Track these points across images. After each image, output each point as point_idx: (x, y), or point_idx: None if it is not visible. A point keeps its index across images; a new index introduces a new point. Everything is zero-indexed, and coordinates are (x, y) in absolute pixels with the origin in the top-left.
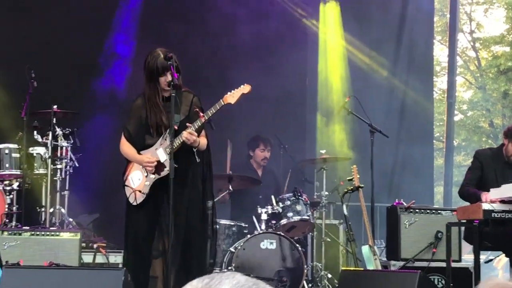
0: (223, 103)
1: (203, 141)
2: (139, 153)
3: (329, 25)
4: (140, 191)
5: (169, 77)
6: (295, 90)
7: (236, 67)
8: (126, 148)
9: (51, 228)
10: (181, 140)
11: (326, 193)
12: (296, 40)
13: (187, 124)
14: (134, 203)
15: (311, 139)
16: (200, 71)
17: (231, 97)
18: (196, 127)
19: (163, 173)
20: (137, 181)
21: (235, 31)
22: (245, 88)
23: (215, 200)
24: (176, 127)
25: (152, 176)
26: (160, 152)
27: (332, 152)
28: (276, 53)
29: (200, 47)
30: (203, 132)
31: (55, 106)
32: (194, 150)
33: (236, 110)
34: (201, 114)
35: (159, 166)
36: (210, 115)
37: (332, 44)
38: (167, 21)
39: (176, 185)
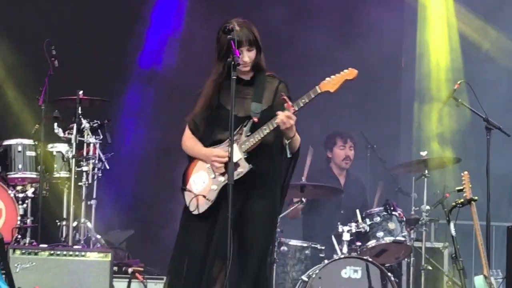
0: (319, 91)
1: (297, 137)
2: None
3: None
4: (204, 197)
5: (246, 57)
6: (387, 75)
7: (315, 44)
8: (190, 142)
9: (74, 247)
10: (263, 134)
11: (427, 207)
12: (389, 10)
13: (286, 104)
14: (196, 212)
15: (407, 138)
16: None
17: (330, 83)
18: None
19: (236, 176)
20: (201, 185)
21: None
22: (350, 73)
23: (282, 215)
24: (255, 119)
25: (221, 178)
26: (234, 150)
27: (436, 154)
28: (363, 27)
29: (273, 18)
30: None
31: (81, 92)
32: (286, 144)
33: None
34: (290, 103)
35: (226, 168)
36: (302, 105)
37: (436, 15)
38: None
39: (248, 194)
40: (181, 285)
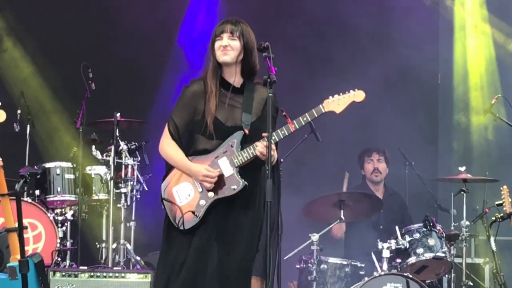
0: (323, 111)
1: (275, 155)
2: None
3: (467, 4)
4: (193, 213)
5: (225, 41)
6: (424, 91)
7: (343, 56)
8: (171, 149)
9: (114, 269)
10: (253, 155)
11: (467, 223)
12: (425, 25)
13: (263, 134)
14: (180, 227)
15: (445, 153)
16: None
17: (335, 104)
18: (282, 137)
19: (228, 193)
20: (186, 198)
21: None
22: (358, 96)
23: (321, 233)
24: (246, 131)
25: (211, 194)
26: (223, 163)
27: (475, 170)
28: (398, 43)
29: (297, 25)
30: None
31: (118, 114)
32: (267, 167)
33: (344, 118)
34: (289, 120)
35: (220, 181)
36: (303, 123)
37: (473, 28)
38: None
39: (238, 211)
40: None
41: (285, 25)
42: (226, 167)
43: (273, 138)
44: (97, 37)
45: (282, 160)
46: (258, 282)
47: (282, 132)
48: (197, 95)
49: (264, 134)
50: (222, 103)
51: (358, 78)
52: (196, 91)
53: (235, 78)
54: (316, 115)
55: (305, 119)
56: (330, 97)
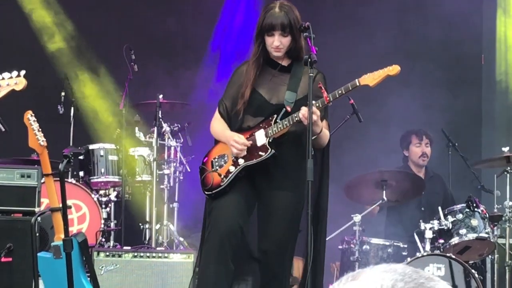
0: (358, 84)
1: (326, 132)
2: None
3: None
4: (219, 175)
5: (276, 41)
6: (466, 70)
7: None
8: (217, 123)
9: (157, 249)
10: (287, 125)
11: (511, 203)
12: (469, 4)
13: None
14: (209, 192)
15: (488, 134)
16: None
17: (371, 78)
18: (316, 107)
19: (255, 159)
20: (221, 166)
21: None
22: (393, 69)
23: (363, 214)
24: (288, 108)
25: (241, 161)
26: (259, 134)
27: None
28: (441, 23)
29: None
30: (324, 122)
31: (161, 96)
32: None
33: (385, 97)
34: (325, 93)
35: (252, 150)
36: (338, 96)
37: None
38: None
39: (270, 186)
40: (214, 267)
41: None
42: (260, 137)
43: (299, 113)
44: (139, 18)
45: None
46: (301, 262)
47: (317, 104)
48: (244, 74)
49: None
50: (266, 80)
51: (400, 57)
52: (243, 71)
53: (284, 61)
54: (351, 88)
55: (339, 92)
56: (369, 73)
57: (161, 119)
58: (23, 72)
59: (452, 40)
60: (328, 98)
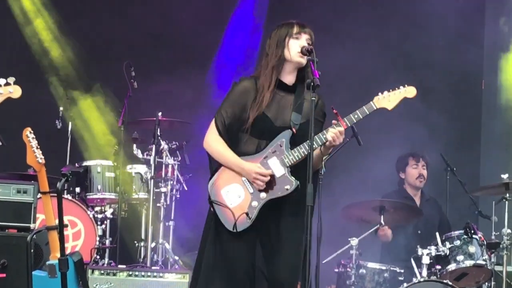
0: (375, 107)
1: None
2: None
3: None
4: (247, 214)
5: (304, 41)
6: (467, 95)
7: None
8: (221, 146)
9: (152, 268)
10: (304, 154)
11: (509, 231)
12: (471, 27)
13: (333, 122)
14: (232, 229)
15: (488, 160)
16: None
17: (386, 100)
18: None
19: (281, 193)
20: (236, 199)
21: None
22: (409, 92)
23: (361, 237)
24: (294, 130)
25: (263, 195)
26: (273, 163)
27: None
28: (442, 44)
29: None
30: None
31: (160, 113)
32: (323, 161)
33: (382, 123)
34: (341, 118)
35: (271, 181)
36: (355, 121)
37: None
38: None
39: (281, 211)
40: None
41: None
42: (277, 167)
43: (324, 136)
44: (140, 36)
45: (323, 166)
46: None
47: (336, 128)
48: (248, 92)
49: (334, 122)
50: (273, 102)
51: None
52: (247, 87)
53: (290, 78)
54: (368, 112)
55: (356, 116)
56: (380, 93)
57: (159, 137)
58: (12, 79)
59: (452, 64)
60: (345, 124)
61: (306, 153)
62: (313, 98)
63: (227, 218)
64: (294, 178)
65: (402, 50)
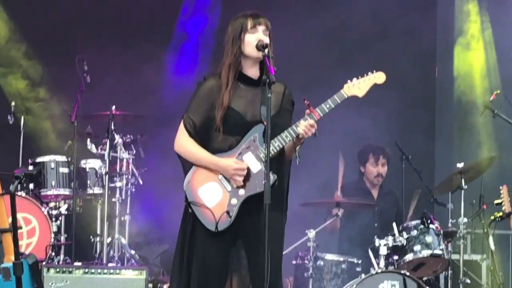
0: (345, 96)
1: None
2: None
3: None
4: (228, 213)
5: (262, 35)
6: (420, 84)
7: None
8: (193, 146)
9: (109, 265)
10: (285, 142)
11: (465, 220)
12: (424, 17)
13: (307, 112)
14: (216, 230)
15: (443, 149)
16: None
17: (356, 88)
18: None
19: (260, 189)
20: (215, 198)
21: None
22: (379, 77)
23: (318, 229)
24: (265, 124)
25: (242, 191)
26: (249, 159)
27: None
28: (391, 33)
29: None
30: None
31: (113, 107)
32: (297, 152)
33: (339, 110)
34: (313, 109)
35: (248, 177)
36: (327, 111)
37: (474, 19)
38: None
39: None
40: None
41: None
42: (253, 163)
43: (297, 129)
44: (91, 29)
45: (298, 156)
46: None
47: (307, 121)
48: (214, 90)
49: (307, 112)
50: (240, 97)
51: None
52: (213, 85)
53: (254, 72)
54: (339, 101)
55: (327, 106)
56: (349, 81)
57: (113, 131)
58: None
59: (406, 51)
60: (318, 114)
61: (281, 146)
62: (269, 95)
63: (207, 218)
64: (272, 173)
65: (354, 38)
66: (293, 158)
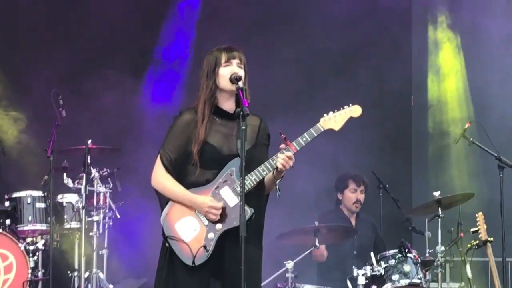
0: (322, 129)
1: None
2: None
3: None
4: (204, 247)
5: (236, 68)
6: (397, 113)
7: (315, 81)
8: (170, 182)
9: None
10: (261, 176)
11: (442, 248)
12: (398, 46)
13: (281, 146)
14: (191, 264)
15: (420, 178)
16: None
17: (333, 121)
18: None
19: (236, 223)
20: (192, 232)
21: (318, 35)
22: (354, 111)
23: (296, 260)
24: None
25: (219, 226)
26: (226, 193)
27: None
28: (366, 62)
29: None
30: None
31: (89, 141)
32: (277, 185)
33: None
34: (289, 142)
35: (225, 211)
36: (304, 144)
37: (447, 49)
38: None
39: (246, 243)
40: None
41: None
42: (230, 197)
43: (274, 162)
44: (67, 63)
45: (278, 189)
46: None
47: (284, 154)
48: (190, 125)
49: (282, 146)
50: (216, 131)
51: (334, 98)
52: (188, 120)
53: (229, 105)
54: (316, 135)
55: (304, 139)
56: (325, 114)
57: (90, 165)
58: None
59: (383, 83)
60: (294, 147)
61: (258, 179)
62: (243, 127)
63: (184, 252)
64: (248, 207)
65: (331, 68)
66: (272, 192)
